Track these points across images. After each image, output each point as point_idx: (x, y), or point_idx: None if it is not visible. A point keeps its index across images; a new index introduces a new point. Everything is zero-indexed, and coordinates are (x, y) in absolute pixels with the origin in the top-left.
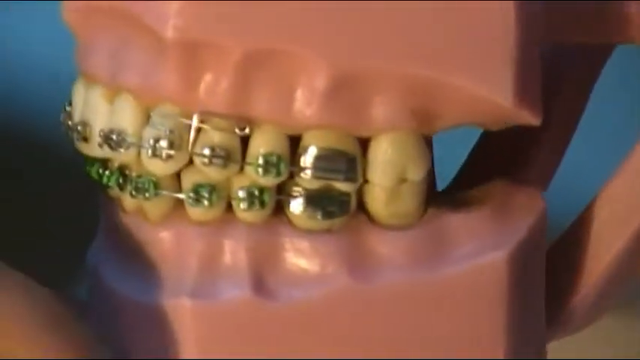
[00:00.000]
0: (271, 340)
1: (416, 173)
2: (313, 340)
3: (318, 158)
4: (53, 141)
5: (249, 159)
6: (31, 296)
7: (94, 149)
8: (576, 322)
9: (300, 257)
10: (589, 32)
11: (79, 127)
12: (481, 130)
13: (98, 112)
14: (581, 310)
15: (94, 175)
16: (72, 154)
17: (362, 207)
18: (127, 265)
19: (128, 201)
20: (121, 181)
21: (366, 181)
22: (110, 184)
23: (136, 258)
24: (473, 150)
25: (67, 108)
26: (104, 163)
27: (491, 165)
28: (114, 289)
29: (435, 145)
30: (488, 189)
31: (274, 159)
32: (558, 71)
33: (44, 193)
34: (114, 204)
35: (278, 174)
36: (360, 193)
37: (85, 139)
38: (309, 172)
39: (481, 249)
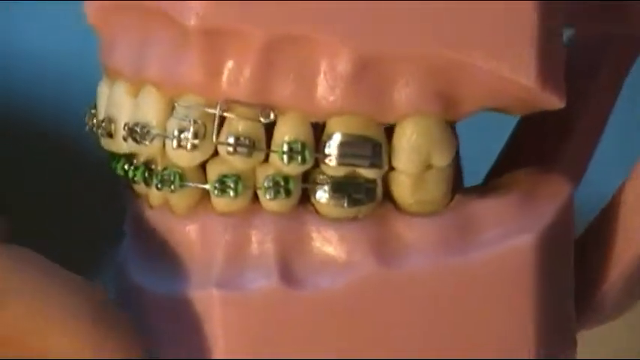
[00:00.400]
0: (299, 328)
1: (441, 159)
2: (341, 327)
3: (342, 145)
4: (73, 141)
5: (273, 147)
6: (82, 293)
7: (120, 144)
8: (606, 311)
9: (326, 245)
10: (614, 21)
11: (103, 124)
12: (512, 127)
13: (123, 107)
14: (610, 298)
15: (119, 171)
16: (90, 156)
17: (388, 195)
18: (153, 260)
19: (154, 195)
20: (146, 175)
21: (391, 168)
22: (136, 178)
23: (162, 252)
24: (507, 142)
25: (92, 110)
26: (129, 158)
27: (525, 157)
28: (140, 285)
29: (467, 143)
30: (516, 177)
31: (299, 146)
32: (591, 62)
33: (63, 193)
34: (140, 200)
35: (303, 161)
36: (385, 181)
37: (110, 135)
38: (334, 159)
39: (508, 234)
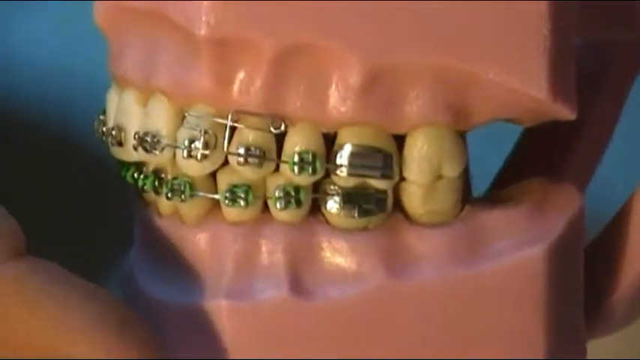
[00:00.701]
0: (309, 339)
1: (452, 169)
2: (351, 338)
3: (353, 155)
4: (78, 145)
5: (284, 157)
6: (105, 304)
7: (130, 153)
8: (615, 321)
9: (337, 256)
10: (624, 28)
11: (113, 132)
12: (519, 132)
13: (132, 115)
14: (619, 307)
15: (129, 179)
16: (97, 161)
17: (398, 206)
18: (162, 269)
19: (164, 204)
20: (156, 184)
21: (402, 179)
22: (146, 187)
23: (172, 261)
24: (512, 152)
25: (101, 117)
26: (139, 167)
27: (531, 166)
28: (150, 294)
29: (474, 148)
30: (526, 187)
31: (309, 157)
32: (597, 69)
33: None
34: (149, 209)
35: (314, 172)
36: (396, 192)
37: (120, 144)
38: (344, 169)
39: (518, 245)
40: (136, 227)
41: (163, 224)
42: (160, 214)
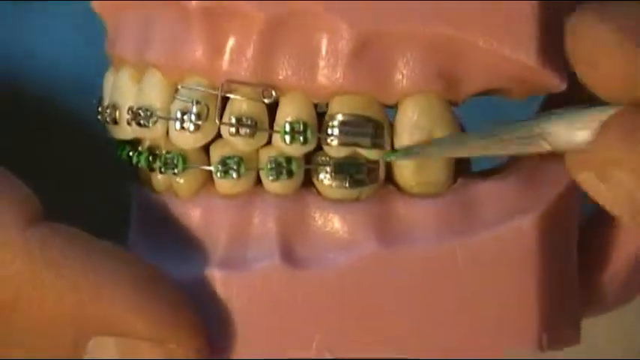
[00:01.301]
0: (302, 307)
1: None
2: (343, 305)
3: (344, 124)
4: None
5: (276, 127)
6: (123, 260)
7: (124, 130)
8: (608, 299)
9: (329, 226)
10: None
11: (108, 111)
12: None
13: (126, 92)
14: (613, 286)
15: (124, 158)
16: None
17: (390, 177)
18: (157, 245)
19: (158, 180)
20: (150, 159)
21: (394, 150)
22: (140, 164)
23: (166, 236)
24: None
25: (99, 100)
26: (134, 145)
27: None
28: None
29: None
30: (519, 161)
31: (301, 126)
32: None
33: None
34: (145, 187)
35: (305, 141)
36: (388, 163)
37: (115, 122)
38: (335, 138)
39: (510, 214)
40: (132, 208)
41: (158, 201)
42: (154, 191)
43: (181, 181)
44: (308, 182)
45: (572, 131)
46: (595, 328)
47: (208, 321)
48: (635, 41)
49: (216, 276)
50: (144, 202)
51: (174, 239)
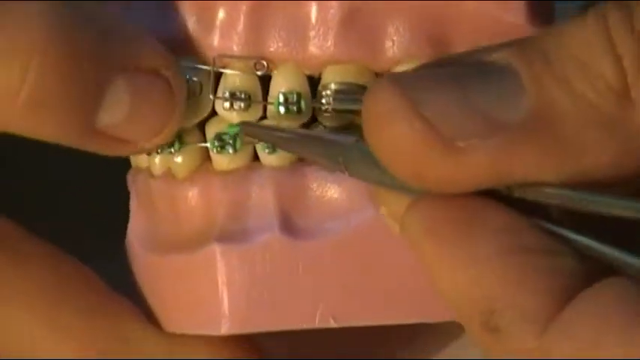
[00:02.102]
0: (304, 277)
1: None
2: (345, 273)
3: (337, 92)
4: None
5: (270, 99)
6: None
7: None
8: None
9: (327, 195)
10: None
11: None
12: None
13: None
14: None
15: None
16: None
17: None
18: (156, 229)
19: (155, 164)
20: None
21: None
22: None
23: (165, 219)
24: None
25: None
26: None
27: None
28: (145, 256)
29: None
30: None
31: (294, 97)
32: None
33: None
34: (143, 174)
35: (299, 111)
36: None
37: None
38: (329, 107)
39: None
40: (131, 199)
41: (156, 185)
42: (152, 176)
43: (179, 160)
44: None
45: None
46: None
47: (210, 295)
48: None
49: (217, 250)
50: (142, 189)
51: (172, 221)
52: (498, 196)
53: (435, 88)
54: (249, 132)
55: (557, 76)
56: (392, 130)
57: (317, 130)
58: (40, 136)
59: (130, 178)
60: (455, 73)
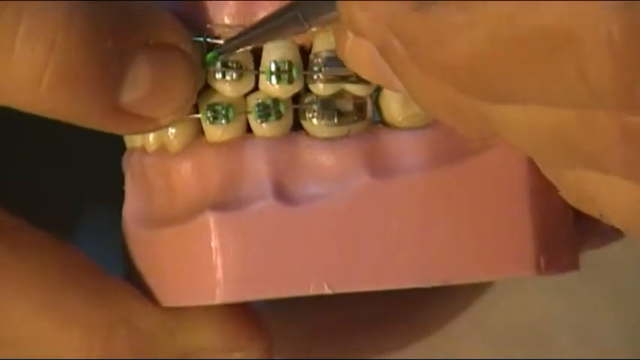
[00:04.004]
0: (298, 243)
1: None
2: (339, 239)
3: (328, 60)
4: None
5: (262, 68)
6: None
7: None
8: (605, 231)
9: (320, 162)
10: None
11: None
12: None
13: None
14: None
15: None
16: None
17: (379, 116)
18: (150, 206)
19: (150, 140)
20: None
21: (380, 88)
22: None
23: (159, 193)
24: None
25: None
26: None
27: None
28: (140, 234)
29: None
30: None
31: (286, 65)
32: None
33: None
34: (137, 152)
35: (290, 80)
36: (375, 102)
37: None
38: (321, 75)
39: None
40: (126, 180)
41: (150, 160)
42: (146, 152)
43: (172, 132)
44: (298, 128)
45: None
46: (597, 328)
47: (204, 264)
48: None
49: (210, 218)
50: (136, 167)
51: (166, 195)
52: None
53: None
54: (227, 49)
55: None
56: None
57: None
58: (64, 115)
59: (124, 160)
60: None
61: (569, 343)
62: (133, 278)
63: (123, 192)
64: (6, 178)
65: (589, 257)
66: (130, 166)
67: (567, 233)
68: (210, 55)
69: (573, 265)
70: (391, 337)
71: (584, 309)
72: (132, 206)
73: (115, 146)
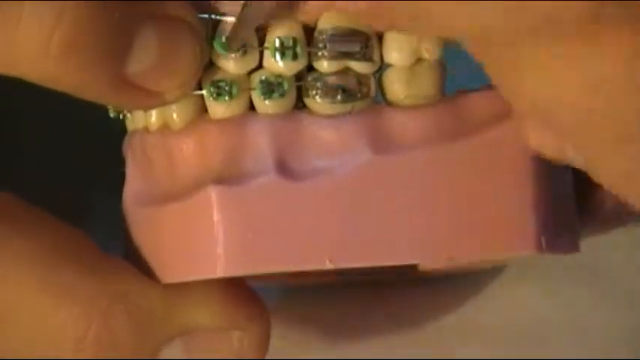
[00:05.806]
0: (300, 218)
1: (431, 51)
2: (341, 215)
3: (333, 37)
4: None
5: (266, 44)
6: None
7: None
8: (606, 215)
9: (323, 138)
10: None
11: None
12: None
13: None
14: (610, 201)
15: (112, 114)
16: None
17: (382, 95)
18: (153, 182)
19: (152, 119)
20: None
21: (383, 68)
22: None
23: (162, 171)
24: None
25: None
26: None
27: None
28: (142, 213)
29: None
30: None
31: (290, 42)
32: None
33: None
34: (137, 134)
35: (295, 57)
36: (378, 81)
37: None
38: (325, 52)
39: (500, 118)
40: (127, 163)
41: (152, 139)
42: (149, 132)
43: (175, 109)
44: (301, 105)
45: None
46: (598, 329)
47: (205, 238)
48: None
49: (212, 192)
50: (137, 147)
51: (170, 172)
52: None
53: None
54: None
55: None
56: None
57: None
58: (70, 86)
59: (125, 144)
60: None
61: (563, 344)
62: (133, 259)
63: (123, 180)
64: (6, 164)
65: (584, 258)
66: (131, 147)
67: (569, 215)
68: (218, 44)
69: (574, 246)
70: (384, 338)
71: (579, 310)
72: (133, 187)
73: (117, 140)
